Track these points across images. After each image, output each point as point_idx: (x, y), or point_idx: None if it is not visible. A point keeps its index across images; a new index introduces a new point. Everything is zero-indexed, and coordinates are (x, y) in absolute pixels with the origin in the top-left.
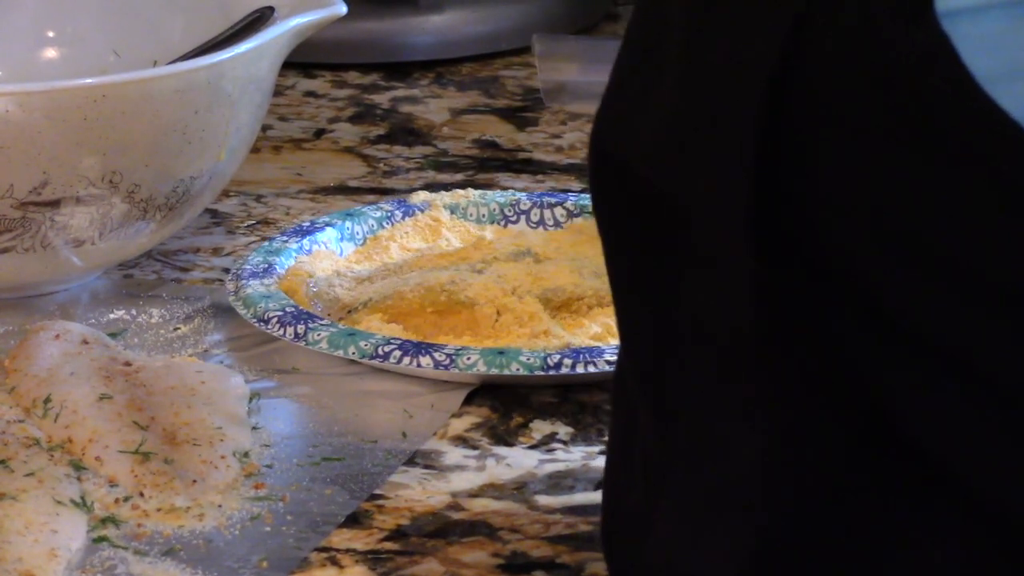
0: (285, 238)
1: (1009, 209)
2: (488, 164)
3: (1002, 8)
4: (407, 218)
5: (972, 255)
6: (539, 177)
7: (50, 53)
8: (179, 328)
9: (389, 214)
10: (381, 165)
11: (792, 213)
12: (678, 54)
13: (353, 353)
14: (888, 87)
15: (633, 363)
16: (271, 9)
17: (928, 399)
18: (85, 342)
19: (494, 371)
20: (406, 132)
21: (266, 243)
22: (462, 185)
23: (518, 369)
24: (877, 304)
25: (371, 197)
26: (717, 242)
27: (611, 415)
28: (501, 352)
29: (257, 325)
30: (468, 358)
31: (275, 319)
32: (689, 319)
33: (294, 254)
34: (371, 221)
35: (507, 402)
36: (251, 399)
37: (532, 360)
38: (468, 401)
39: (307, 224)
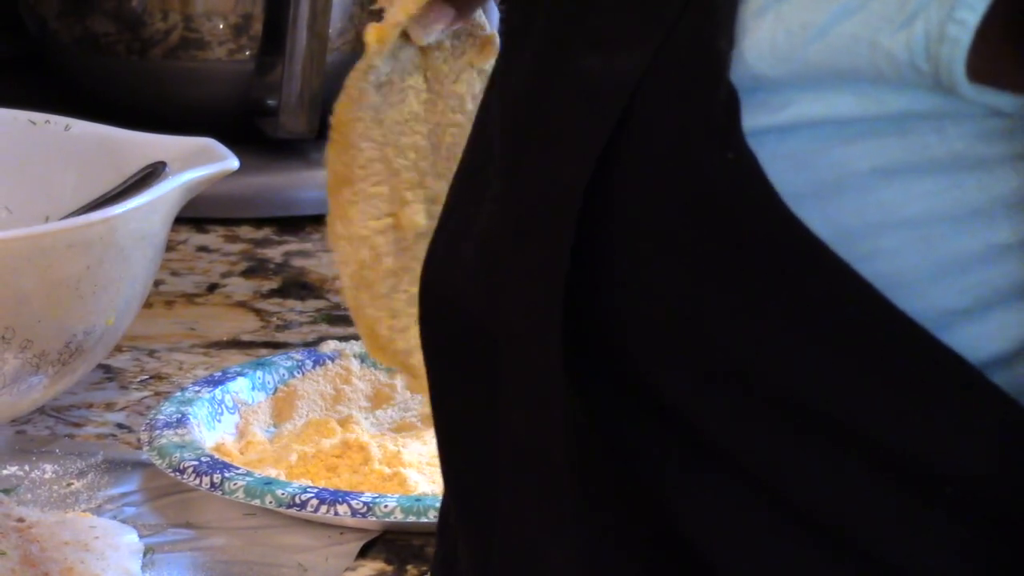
0: (197, 388)
1: (808, 326)
2: None
3: (807, 128)
4: (317, 367)
5: (774, 373)
6: None
7: None
8: (72, 484)
9: (300, 363)
10: (274, 319)
11: (602, 332)
12: (499, 177)
13: (270, 502)
14: (699, 207)
15: (458, 501)
16: (163, 164)
17: (720, 515)
18: None
19: (411, 519)
20: (299, 286)
21: (179, 393)
22: (355, 338)
23: (435, 516)
24: (686, 424)
25: (264, 351)
26: (530, 365)
27: (432, 558)
28: (418, 500)
29: (173, 475)
30: (385, 506)
31: (191, 468)
32: (509, 448)
33: (207, 404)
34: (282, 370)
35: (402, 555)
36: (145, 554)
37: None
38: (363, 554)
39: (219, 374)
